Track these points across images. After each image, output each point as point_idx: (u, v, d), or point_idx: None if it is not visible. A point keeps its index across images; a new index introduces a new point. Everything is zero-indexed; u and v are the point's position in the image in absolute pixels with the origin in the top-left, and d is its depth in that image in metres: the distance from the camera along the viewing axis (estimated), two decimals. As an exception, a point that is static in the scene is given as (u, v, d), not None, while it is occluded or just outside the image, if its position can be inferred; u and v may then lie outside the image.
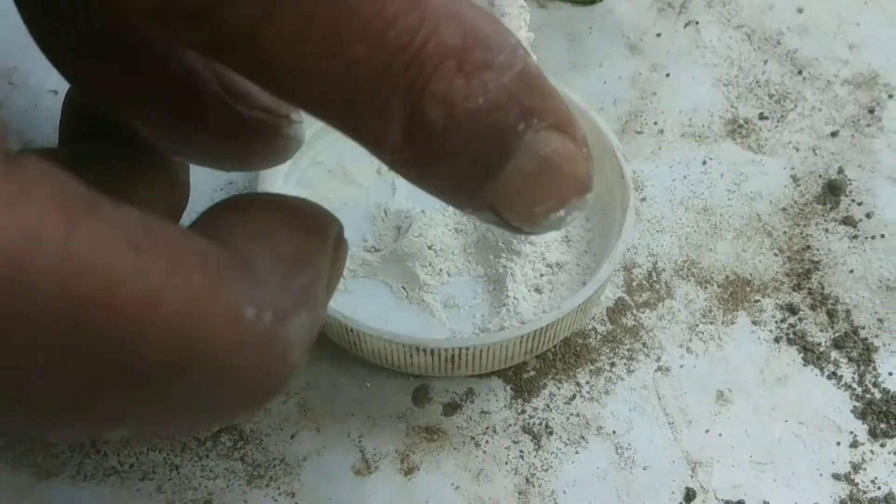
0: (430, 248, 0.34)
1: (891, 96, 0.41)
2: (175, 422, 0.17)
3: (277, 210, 0.19)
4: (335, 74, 0.16)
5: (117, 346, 0.14)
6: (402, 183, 0.37)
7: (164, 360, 0.14)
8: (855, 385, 0.34)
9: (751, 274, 0.36)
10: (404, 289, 0.34)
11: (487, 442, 0.31)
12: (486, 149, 0.18)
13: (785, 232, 0.37)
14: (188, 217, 0.36)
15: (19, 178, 0.13)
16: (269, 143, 0.23)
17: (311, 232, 0.19)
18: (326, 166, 0.37)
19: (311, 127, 0.36)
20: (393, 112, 0.17)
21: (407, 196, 0.36)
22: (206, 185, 0.37)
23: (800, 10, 0.44)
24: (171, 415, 0.16)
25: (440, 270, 0.34)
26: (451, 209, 0.36)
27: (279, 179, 0.35)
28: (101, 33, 0.20)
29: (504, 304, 0.33)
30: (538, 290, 0.34)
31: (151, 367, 0.15)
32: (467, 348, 0.30)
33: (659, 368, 0.33)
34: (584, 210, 0.19)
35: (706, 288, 0.36)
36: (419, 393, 0.32)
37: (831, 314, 0.35)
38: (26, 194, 0.13)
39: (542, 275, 0.34)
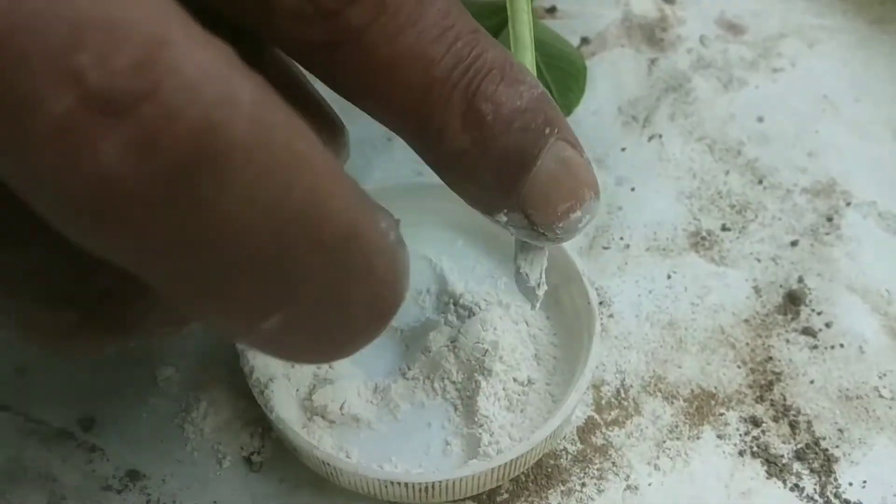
0: (402, 372, 0.36)
1: (848, 204, 0.43)
2: (322, 320, 0.19)
3: None
4: (418, 70, 0.22)
5: (304, 206, 0.17)
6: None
7: (341, 230, 0.18)
8: (817, 496, 0.35)
9: (715, 387, 0.38)
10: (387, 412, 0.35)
11: (462, 568, 0.33)
12: (522, 144, 0.24)
13: (748, 343, 0.39)
14: (169, 340, 0.38)
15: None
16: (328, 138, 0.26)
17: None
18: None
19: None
20: (454, 105, 0.23)
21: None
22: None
23: (760, 120, 0.46)
24: (324, 306, 0.18)
25: (414, 390, 0.36)
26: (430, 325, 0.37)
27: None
28: None
29: (477, 424, 0.34)
30: (510, 410, 0.35)
31: (329, 234, 0.17)
32: (440, 481, 0.31)
33: (628, 487, 0.35)
34: (595, 214, 0.26)
35: (672, 403, 0.37)
36: (396, 520, 0.33)
37: (793, 425, 0.37)
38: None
39: (514, 392, 0.35)
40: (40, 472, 0.35)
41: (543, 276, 0.32)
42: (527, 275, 0.31)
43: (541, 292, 0.32)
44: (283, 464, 0.35)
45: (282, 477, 0.34)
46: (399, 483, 0.31)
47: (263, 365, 0.34)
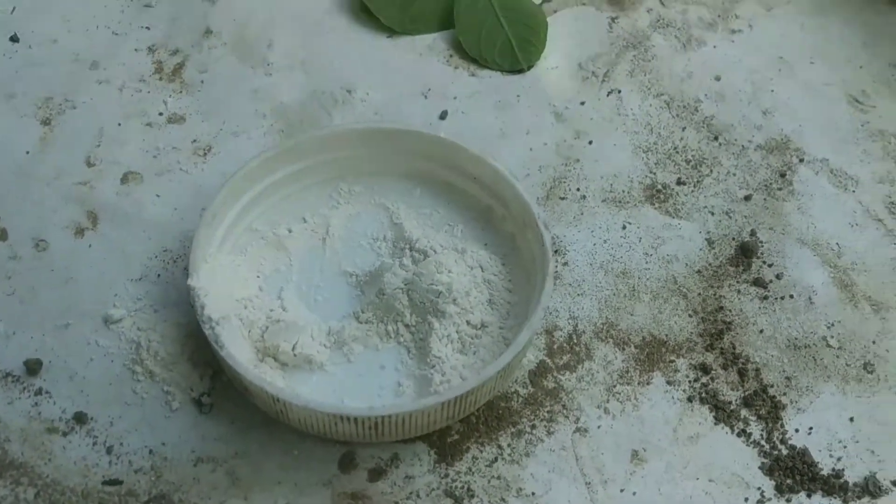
0: (356, 316, 0.36)
1: (801, 160, 0.44)
2: None
3: None
4: None
5: None
6: (329, 251, 0.38)
7: None
8: (763, 442, 0.35)
9: (666, 335, 0.38)
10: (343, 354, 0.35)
11: (411, 506, 0.33)
12: None
13: (699, 293, 0.39)
14: (121, 284, 0.37)
15: None
16: None
17: None
18: (260, 233, 0.38)
19: (245, 194, 0.37)
20: None
21: (341, 263, 0.38)
22: (142, 252, 0.38)
23: (717, 78, 0.46)
24: None
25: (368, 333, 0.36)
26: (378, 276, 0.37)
27: (213, 246, 0.36)
28: None
29: (429, 365, 0.34)
30: (462, 352, 0.35)
31: None
32: (389, 416, 0.31)
33: (577, 429, 0.35)
34: None
35: (624, 349, 0.37)
36: (345, 459, 0.33)
37: (742, 373, 0.37)
38: None
39: (466, 335, 0.35)
40: (-15, 413, 0.34)
41: None
42: None
43: None
44: (234, 405, 0.34)
45: (232, 418, 0.34)
46: (349, 418, 0.31)
47: (215, 303, 0.34)
